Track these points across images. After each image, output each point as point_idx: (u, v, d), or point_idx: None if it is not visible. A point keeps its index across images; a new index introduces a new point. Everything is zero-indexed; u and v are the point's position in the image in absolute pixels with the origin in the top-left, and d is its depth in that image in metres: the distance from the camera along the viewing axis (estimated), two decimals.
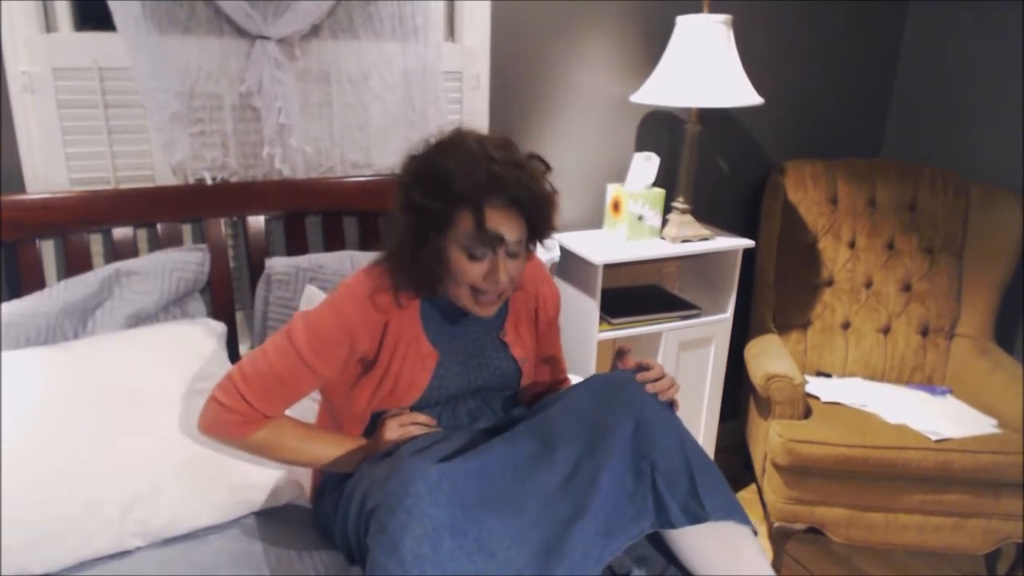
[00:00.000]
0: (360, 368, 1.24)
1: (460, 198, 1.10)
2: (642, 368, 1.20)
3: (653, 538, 1.16)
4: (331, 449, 1.25)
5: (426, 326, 1.25)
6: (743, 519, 1.10)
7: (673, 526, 1.07)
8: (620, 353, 1.27)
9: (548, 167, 1.18)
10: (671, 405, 1.19)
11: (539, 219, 1.16)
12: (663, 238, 2.03)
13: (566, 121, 2.06)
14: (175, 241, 1.61)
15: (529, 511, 1.04)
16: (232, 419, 1.19)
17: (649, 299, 2.10)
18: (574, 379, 1.52)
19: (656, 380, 1.17)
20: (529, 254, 1.24)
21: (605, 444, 1.09)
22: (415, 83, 1.75)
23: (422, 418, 1.26)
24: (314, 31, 1.65)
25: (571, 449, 1.10)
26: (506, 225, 1.12)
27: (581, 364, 1.96)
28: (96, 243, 1.59)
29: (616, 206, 2.01)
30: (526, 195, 1.11)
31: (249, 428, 1.20)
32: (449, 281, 1.17)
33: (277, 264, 1.58)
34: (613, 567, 1.15)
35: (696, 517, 1.06)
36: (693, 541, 1.10)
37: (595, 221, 2.16)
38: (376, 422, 1.29)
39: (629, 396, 1.14)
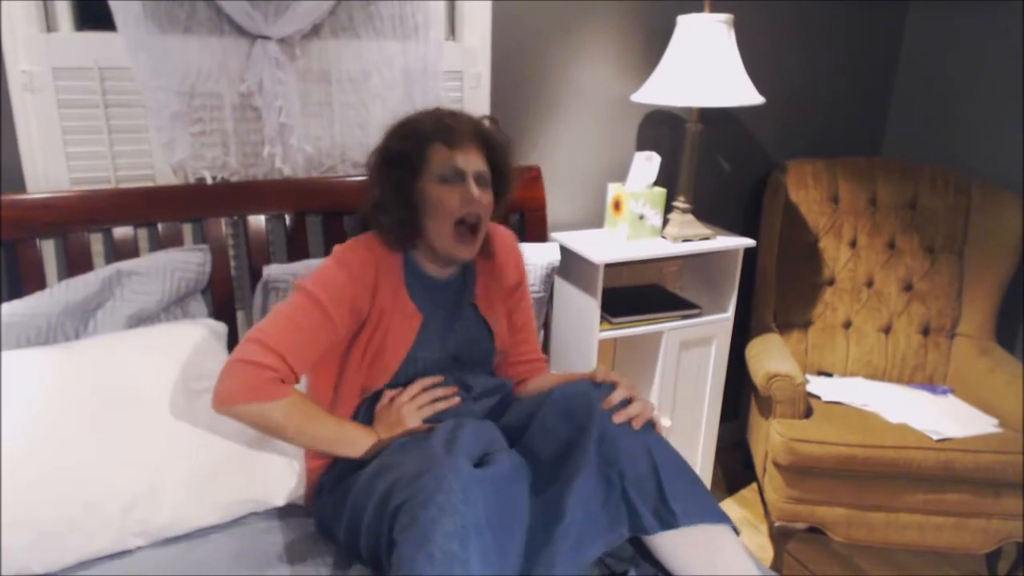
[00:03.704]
0: (355, 327, 1.29)
1: (429, 135, 1.28)
2: (608, 387, 1.18)
3: (639, 545, 1.15)
4: (346, 432, 1.26)
5: (410, 290, 1.33)
6: (718, 519, 1.09)
7: (647, 532, 1.07)
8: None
9: (496, 121, 1.40)
10: (652, 427, 1.17)
11: (498, 158, 1.35)
12: (664, 237, 2.03)
13: (567, 120, 2.06)
14: (176, 241, 1.61)
15: (524, 524, 1.06)
16: (266, 376, 1.17)
17: (650, 298, 2.10)
18: None
19: (626, 404, 1.15)
20: (500, 205, 1.37)
21: (573, 460, 1.10)
22: (416, 82, 1.75)
23: (439, 391, 1.31)
24: (315, 30, 1.65)
25: (545, 467, 1.14)
26: (472, 155, 1.29)
27: (581, 364, 1.96)
28: (97, 243, 1.59)
29: (617, 205, 2.01)
30: (485, 133, 1.33)
31: (281, 388, 1.18)
32: (431, 221, 1.28)
33: (274, 272, 1.58)
34: (611, 567, 1.15)
35: (667, 523, 1.06)
36: (670, 545, 1.10)
37: (596, 220, 2.16)
38: (367, 406, 1.32)
39: (587, 410, 1.13)
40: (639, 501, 1.07)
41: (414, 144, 1.29)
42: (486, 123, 1.36)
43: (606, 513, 1.07)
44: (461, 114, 1.33)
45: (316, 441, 1.25)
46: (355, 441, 1.25)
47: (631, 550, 1.16)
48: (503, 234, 1.49)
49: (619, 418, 1.13)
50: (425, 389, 1.31)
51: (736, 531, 1.13)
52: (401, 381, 1.32)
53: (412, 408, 1.27)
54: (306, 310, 1.22)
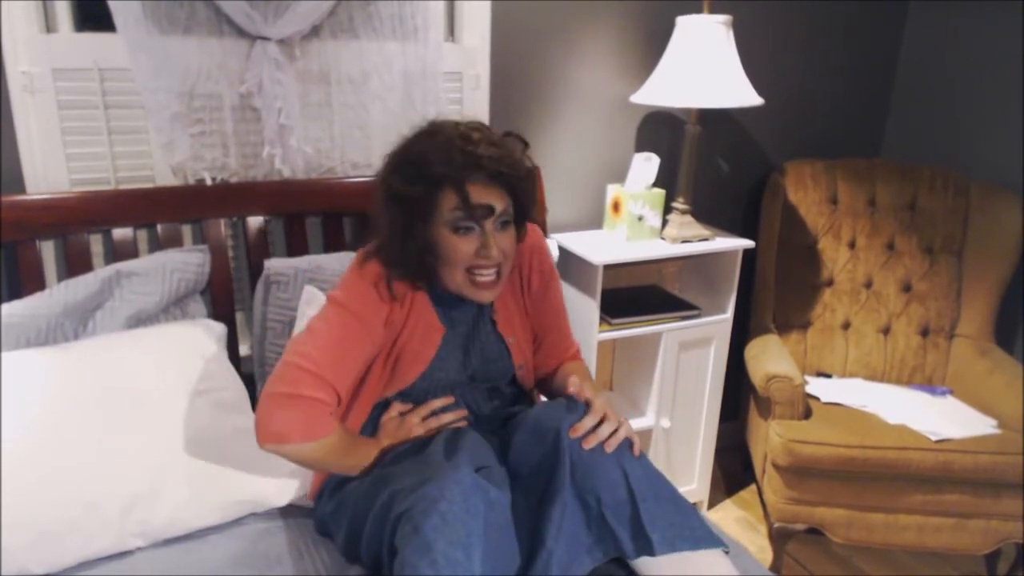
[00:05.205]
0: (389, 341, 1.25)
1: (441, 179, 1.12)
2: (580, 408, 1.15)
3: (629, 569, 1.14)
4: (369, 455, 1.23)
5: (433, 302, 1.27)
6: (702, 544, 1.07)
7: (627, 557, 1.06)
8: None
9: (526, 144, 1.21)
10: (629, 447, 1.13)
11: (522, 193, 1.19)
12: (663, 238, 2.03)
13: (566, 121, 2.06)
14: (175, 242, 1.61)
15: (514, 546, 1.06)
16: (323, 413, 1.10)
17: (649, 299, 2.10)
18: None
19: (595, 428, 1.11)
20: (521, 232, 1.26)
21: (551, 485, 1.09)
22: (415, 83, 1.75)
23: (448, 417, 1.28)
24: (314, 31, 1.65)
25: (524, 489, 1.12)
26: (490, 198, 1.14)
27: None
28: (96, 244, 1.59)
29: (616, 206, 2.01)
30: (506, 169, 1.13)
31: (332, 423, 1.12)
32: (443, 267, 1.18)
33: (276, 265, 1.58)
34: None
35: (644, 551, 1.05)
36: (655, 571, 1.07)
37: (595, 221, 2.16)
38: (377, 415, 1.30)
39: (556, 437, 1.10)
40: (618, 527, 1.06)
41: (424, 189, 1.12)
42: (510, 148, 1.17)
43: (590, 534, 1.07)
44: (478, 140, 1.13)
45: (345, 469, 1.22)
46: (362, 460, 1.24)
47: (622, 573, 1.14)
48: (532, 236, 1.36)
49: (589, 444, 1.09)
50: (434, 413, 1.28)
51: (726, 550, 1.10)
52: (416, 393, 1.29)
53: (422, 431, 1.25)
54: (346, 325, 1.14)
